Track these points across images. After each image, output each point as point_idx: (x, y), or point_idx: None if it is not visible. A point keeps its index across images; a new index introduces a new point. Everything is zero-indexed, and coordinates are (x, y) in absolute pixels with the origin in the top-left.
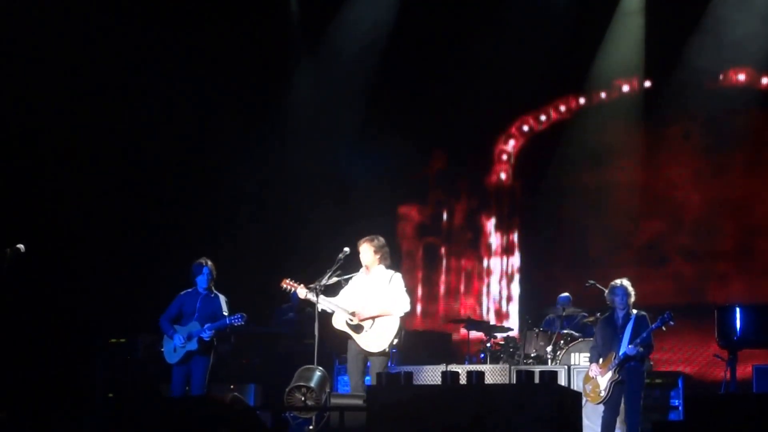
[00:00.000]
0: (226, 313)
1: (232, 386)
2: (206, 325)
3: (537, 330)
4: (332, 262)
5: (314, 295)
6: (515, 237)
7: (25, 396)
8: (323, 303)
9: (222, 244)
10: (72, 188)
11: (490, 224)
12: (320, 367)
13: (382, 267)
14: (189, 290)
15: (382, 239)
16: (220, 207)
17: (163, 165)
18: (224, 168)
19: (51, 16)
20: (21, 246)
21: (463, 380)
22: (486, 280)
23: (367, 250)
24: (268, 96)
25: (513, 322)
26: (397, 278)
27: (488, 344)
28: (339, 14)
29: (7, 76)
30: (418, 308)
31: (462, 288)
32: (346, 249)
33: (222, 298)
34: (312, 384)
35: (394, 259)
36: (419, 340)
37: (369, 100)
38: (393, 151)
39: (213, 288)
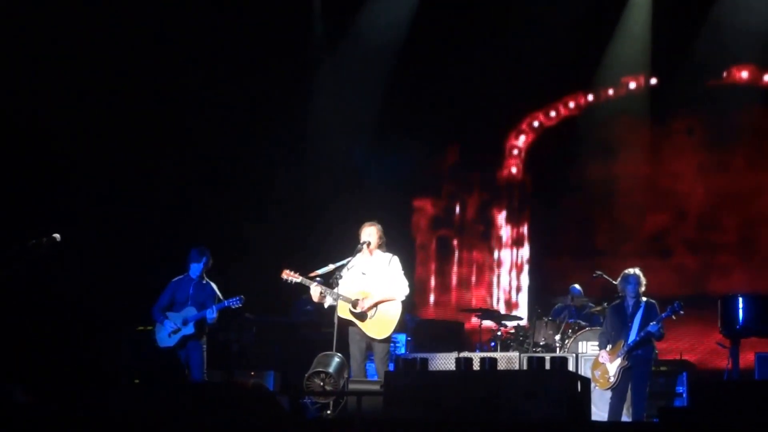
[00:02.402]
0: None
1: (253, 373)
2: (213, 306)
3: (546, 319)
4: (342, 254)
5: (318, 285)
6: (525, 229)
7: (53, 381)
8: (328, 298)
9: (242, 236)
10: (99, 174)
11: (501, 217)
12: (338, 354)
13: (381, 252)
14: (180, 277)
15: (380, 226)
16: (240, 201)
17: (188, 161)
18: (241, 161)
19: (68, 12)
20: (57, 235)
21: (476, 366)
22: (497, 271)
23: (373, 234)
24: (288, 91)
25: (522, 312)
26: (396, 261)
27: (499, 333)
28: (359, 12)
29: (11, 73)
30: (431, 298)
31: (473, 279)
32: (363, 239)
33: (213, 285)
34: (330, 370)
35: (408, 250)
36: (432, 329)
37: (386, 97)
38: (408, 146)
39: (205, 276)
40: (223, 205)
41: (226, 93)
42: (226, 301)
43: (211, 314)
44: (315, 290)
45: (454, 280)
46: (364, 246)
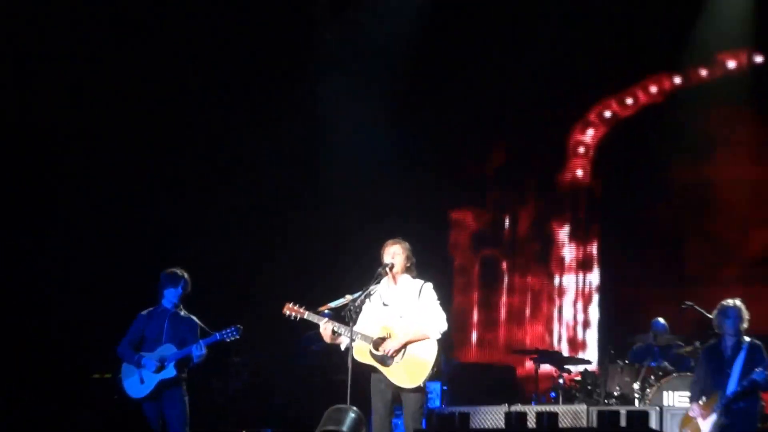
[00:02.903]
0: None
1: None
2: (200, 341)
3: (621, 363)
4: (362, 283)
5: (329, 321)
6: (594, 249)
7: None
8: (344, 338)
9: (235, 265)
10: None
11: (563, 233)
12: (354, 408)
13: (408, 277)
14: (151, 309)
15: (408, 244)
16: (238, 216)
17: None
18: (241, 164)
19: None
20: None
21: (531, 423)
22: (558, 302)
23: (398, 254)
24: (295, 85)
25: (591, 354)
26: (428, 289)
27: (561, 380)
28: None
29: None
30: (474, 336)
31: (528, 311)
32: (387, 261)
33: (195, 319)
34: (344, 428)
35: (444, 275)
36: (475, 375)
37: (412, 85)
38: (442, 145)
39: (182, 307)
40: (214, 221)
41: (226, 103)
42: (218, 333)
43: (199, 350)
44: (326, 328)
45: (503, 313)
46: (387, 269)
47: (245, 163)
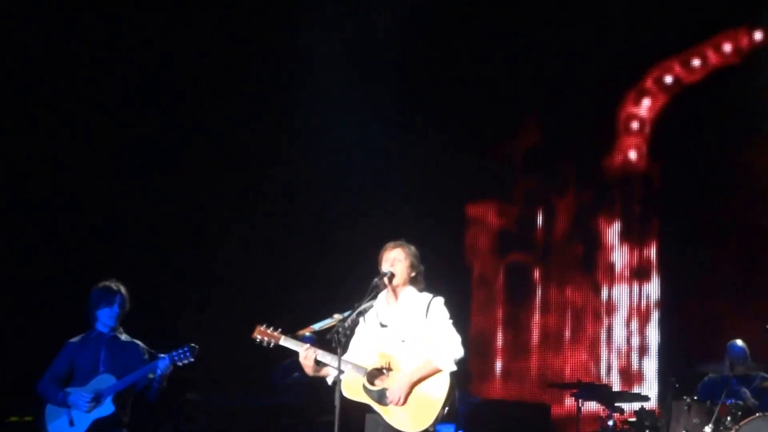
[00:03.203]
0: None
1: None
2: (155, 363)
3: (689, 399)
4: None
5: (310, 348)
6: (652, 252)
7: None
8: (330, 369)
9: (190, 274)
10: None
11: (613, 232)
12: None
13: (413, 290)
14: (83, 335)
15: (414, 248)
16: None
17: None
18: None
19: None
20: None
21: None
22: (606, 321)
23: (401, 260)
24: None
25: (649, 387)
26: (439, 305)
27: (610, 422)
28: None
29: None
30: (498, 366)
31: (568, 333)
32: (385, 269)
33: (140, 343)
34: None
35: (459, 286)
36: (500, 416)
37: (421, 51)
38: (457, 122)
39: (122, 330)
40: (161, 218)
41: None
42: (166, 356)
43: (162, 365)
44: (307, 356)
45: (536, 335)
46: (386, 280)
47: (202, 148)
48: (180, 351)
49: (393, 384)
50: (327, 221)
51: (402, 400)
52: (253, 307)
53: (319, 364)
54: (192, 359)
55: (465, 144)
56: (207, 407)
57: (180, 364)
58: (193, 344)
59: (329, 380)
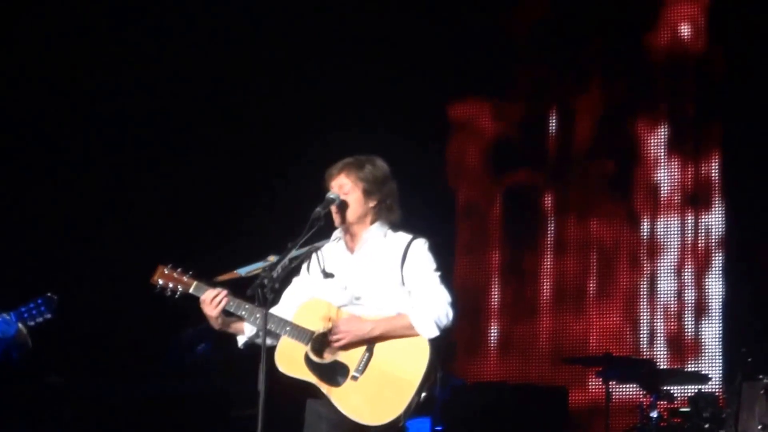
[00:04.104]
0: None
1: None
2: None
3: (767, 381)
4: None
5: (226, 296)
6: (714, 168)
7: None
8: (248, 326)
9: (59, 205)
10: None
11: (657, 140)
12: None
13: (382, 227)
14: None
15: (381, 164)
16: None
17: None
18: None
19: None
20: None
21: None
22: (647, 268)
23: (350, 189)
24: None
25: (710, 363)
26: (421, 250)
27: (654, 412)
28: None
29: None
30: (493, 333)
31: (592, 286)
32: (331, 195)
33: None
34: None
35: (439, 216)
36: (494, 404)
37: None
38: None
39: None
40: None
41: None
42: (13, 313)
43: (9, 327)
44: (213, 299)
45: (547, 288)
46: (334, 211)
47: None
48: (31, 305)
49: (348, 324)
50: (257, 136)
51: (346, 340)
52: (157, 245)
53: (229, 315)
54: (49, 315)
55: (447, 17)
56: (74, 396)
57: (32, 323)
58: (49, 294)
59: (240, 341)
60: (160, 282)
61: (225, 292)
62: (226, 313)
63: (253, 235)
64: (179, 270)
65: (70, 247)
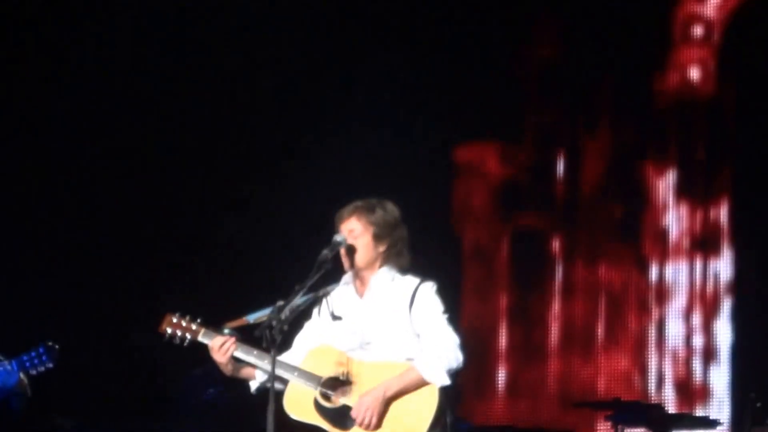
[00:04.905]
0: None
1: None
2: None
3: None
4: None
5: (235, 342)
6: (722, 213)
7: None
8: (259, 373)
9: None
10: None
11: (665, 185)
12: None
13: (390, 271)
14: None
15: (392, 208)
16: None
17: None
18: None
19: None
20: None
21: None
22: (656, 313)
23: (360, 234)
24: None
25: (719, 408)
26: (429, 294)
27: None
28: None
29: None
30: (500, 376)
31: (600, 330)
32: (338, 237)
33: None
34: None
35: (446, 259)
36: None
37: None
38: (444, 23)
39: None
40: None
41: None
42: (14, 361)
43: (10, 377)
44: (221, 346)
45: (555, 332)
46: (341, 251)
47: None
48: (32, 353)
49: (359, 399)
50: (271, 178)
51: (373, 422)
52: (164, 292)
53: (238, 362)
54: (51, 365)
55: (451, 57)
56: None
57: (34, 372)
58: (50, 343)
59: (253, 386)
60: (169, 331)
61: (233, 338)
62: (236, 359)
63: (262, 282)
64: (187, 318)
65: (75, 291)
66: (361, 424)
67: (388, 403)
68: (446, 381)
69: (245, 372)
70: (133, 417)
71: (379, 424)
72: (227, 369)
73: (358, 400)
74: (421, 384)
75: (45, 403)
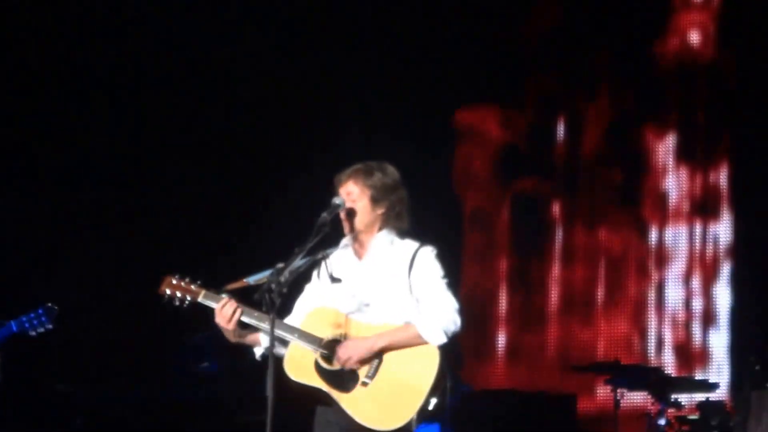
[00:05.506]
0: None
1: None
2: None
3: None
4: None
5: (237, 305)
6: (722, 177)
7: None
8: (262, 336)
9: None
10: None
11: (665, 149)
12: None
13: (389, 234)
14: None
15: (392, 170)
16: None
17: None
18: None
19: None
20: None
21: None
22: (656, 277)
23: (358, 197)
24: None
25: (718, 371)
26: (428, 258)
27: (662, 420)
28: None
29: None
30: (501, 340)
31: (600, 293)
32: (337, 200)
33: None
34: None
35: (446, 224)
36: (502, 410)
37: None
38: None
39: None
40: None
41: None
42: (13, 322)
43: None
44: (224, 309)
45: (555, 296)
46: (341, 213)
47: None
48: (32, 315)
49: (355, 342)
50: (272, 141)
51: (353, 361)
52: (164, 256)
53: (244, 327)
54: (50, 326)
55: (453, 24)
56: (83, 404)
57: (33, 333)
58: (50, 304)
59: (258, 352)
60: (168, 292)
61: (233, 300)
62: (240, 324)
63: (261, 244)
64: (186, 280)
65: (76, 255)
66: (340, 361)
67: (381, 354)
68: (443, 339)
69: (250, 338)
70: (129, 383)
71: (369, 372)
72: (233, 336)
73: (345, 342)
74: (416, 342)
75: (43, 368)
